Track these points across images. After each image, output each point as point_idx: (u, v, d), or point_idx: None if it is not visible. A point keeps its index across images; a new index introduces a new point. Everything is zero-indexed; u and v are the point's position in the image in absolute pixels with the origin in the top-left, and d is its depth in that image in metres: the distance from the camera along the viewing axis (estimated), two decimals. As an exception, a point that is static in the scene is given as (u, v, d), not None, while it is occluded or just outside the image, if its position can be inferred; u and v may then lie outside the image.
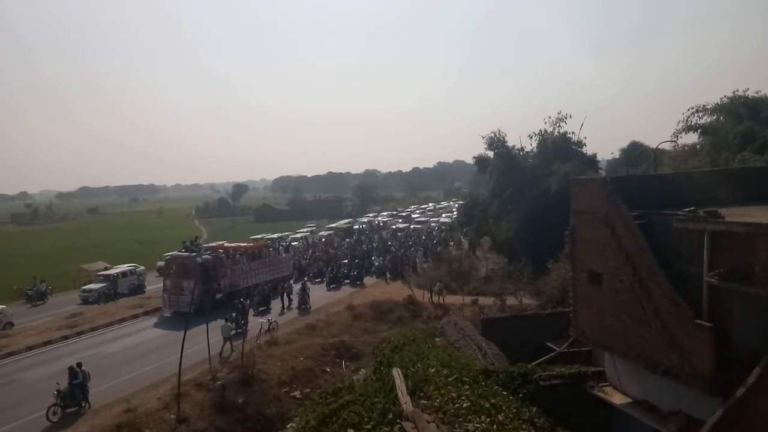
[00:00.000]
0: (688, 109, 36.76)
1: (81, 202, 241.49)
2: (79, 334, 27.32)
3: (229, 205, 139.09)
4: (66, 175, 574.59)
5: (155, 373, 20.94)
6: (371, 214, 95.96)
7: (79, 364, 18.24)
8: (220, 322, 25.83)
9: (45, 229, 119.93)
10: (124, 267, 40.67)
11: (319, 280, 38.97)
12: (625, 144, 75.79)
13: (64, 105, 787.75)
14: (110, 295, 36.07)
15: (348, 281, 38.00)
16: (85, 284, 37.99)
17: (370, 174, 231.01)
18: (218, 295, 30.86)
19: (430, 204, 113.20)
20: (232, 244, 38.43)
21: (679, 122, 37.21)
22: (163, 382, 19.78)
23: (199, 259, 30.67)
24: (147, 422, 16.99)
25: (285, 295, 31.96)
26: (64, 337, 26.65)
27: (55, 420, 16.97)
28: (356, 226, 72.55)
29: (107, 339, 26.56)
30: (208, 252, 33.79)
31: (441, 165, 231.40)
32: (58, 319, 30.30)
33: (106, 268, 41.62)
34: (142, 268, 41.82)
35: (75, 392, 17.69)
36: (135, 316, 30.74)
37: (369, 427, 12.88)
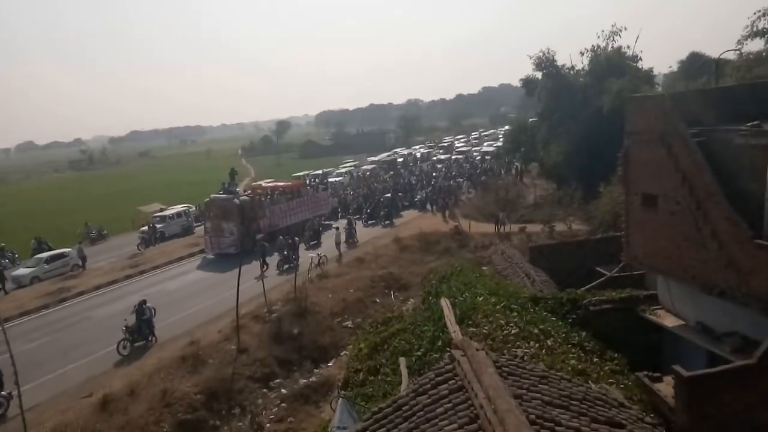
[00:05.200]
0: (754, 13, 33.70)
1: (132, 146, 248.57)
2: (141, 273, 28.77)
3: (273, 143, 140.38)
4: (116, 120, 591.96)
5: (215, 308, 21.97)
6: (416, 146, 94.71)
7: (144, 301, 19.26)
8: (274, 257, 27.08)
9: (101, 174, 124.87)
10: (179, 208, 42.04)
11: (357, 216, 37.85)
12: (684, 56, 71.20)
13: (110, 52, 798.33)
14: (149, 240, 36.26)
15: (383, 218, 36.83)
16: (142, 226, 39.57)
17: (412, 104, 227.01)
18: (258, 236, 30.81)
19: (474, 132, 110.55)
20: (270, 184, 38.66)
21: (745, 28, 34.30)
22: (223, 316, 20.76)
23: (237, 201, 30.79)
24: (210, 353, 17.98)
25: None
26: (128, 276, 28.14)
27: (125, 353, 18.20)
28: (399, 159, 71.94)
29: (168, 276, 27.89)
30: (246, 193, 34.13)
31: (486, 90, 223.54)
32: (121, 260, 31.95)
33: (161, 209, 43.21)
34: (194, 208, 43.07)
35: (142, 327, 18.80)
36: (192, 255, 31.96)
37: (419, 354, 13.21)
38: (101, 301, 24.77)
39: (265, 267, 26.41)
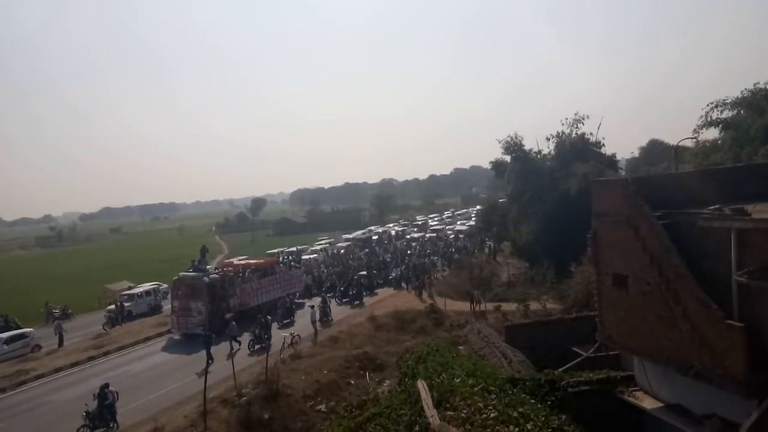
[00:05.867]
0: (708, 105, 36.15)
1: (104, 223, 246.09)
2: (106, 354, 27.62)
3: (248, 220, 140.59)
4: (88, 197, 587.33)
5: (181, 391, 21.03)
6: (390, 224, 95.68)
7: (106, 385, 18.40)
8: (244, 337, 26.42)
9: (70, 251, 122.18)
10: (147, 285, 41.11)
11: (331, 294, 36.81)
12: (644, 142, 75.06)
13: (84, 127, 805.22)
14: (116, 319, 35.12)
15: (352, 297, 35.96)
16: (109, 304, 38.44)
17: (386, 183, 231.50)
18: (228, 315, 29.68)
19: (447, 211, 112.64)
20: (242, 262, 38.13)
21: (699, 118, 36.64)
22: (189, 400, 19.82)
23: (206, 279, 29.91)
24: (175, 440, 17.02)
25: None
26: (91, 358, 26.96)
27: (85, 441, 17.13)
28: (374, 237, 72.40)
29: (133, 358, 26.80)
30: (217, 271, 33.54)
31: (458, 171, 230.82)
32: (84, 340, 30.69)
33: (129, 287, 42.20)
34: (165, 286, 42.14)
35: (103, 413, 17.83)
36: (160, 335, 30.93)
37: (396, 440, 12.77)
38: (62, 384, 23.54)
39: (211, 361, 23.34)
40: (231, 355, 23.80)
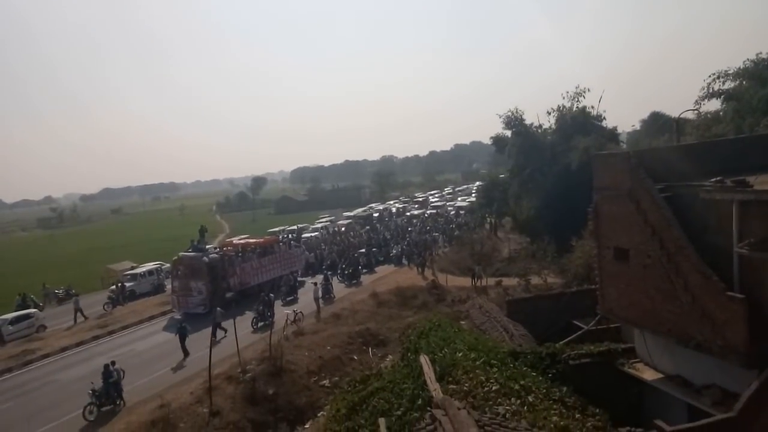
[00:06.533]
0: (710, 76, 35.68)
1: (104, 204, 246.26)
2: (110, 333, 27.85)
3: (249, 199, 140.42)
4: (88, 178, 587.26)
5: (186, 369, 21.29)
6: (391, 201, 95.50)
7: (112, 363, 18.57)
8: (247, 315, 26.54)
9: (71, 232, 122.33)
10: (150, 265, 41.22)
11: (332, 272, 36.42)
12: (645, 115, 74.45)
13: (83, 109, 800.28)
14: (117, 299, 34.98)
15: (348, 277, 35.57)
16: (112, 284, 38.59)
17: (387, 160, 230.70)
18: (228, 294, 29.86)
19: (448, 188, 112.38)
20: (242, 241, 38.06)
21: (701, 89, 36.19)
22: (195, 377, 20.07)
23: (206, 259, 29.94)
24: (181, 417, 17.25)
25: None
26: (96, 337, 27.18)
27: (92, 419, 17.32)
28: (375, 214, 72.29)
29: (137, 337, 27.02)
30: (216, 250, 33.52)
31: (458, 147, 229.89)
32: (89, 320, 30.91)
33: (132, 267, 42.34)
34: (168, 265, 42.20)
35: (110, 391, 18.02)
36: (164, 314, 31.12)
37: (399, 413, 12.90)
38: (67, 363, 23.78)
39: (186, 355, 22.80)
40: (216, 343, 22.92)
